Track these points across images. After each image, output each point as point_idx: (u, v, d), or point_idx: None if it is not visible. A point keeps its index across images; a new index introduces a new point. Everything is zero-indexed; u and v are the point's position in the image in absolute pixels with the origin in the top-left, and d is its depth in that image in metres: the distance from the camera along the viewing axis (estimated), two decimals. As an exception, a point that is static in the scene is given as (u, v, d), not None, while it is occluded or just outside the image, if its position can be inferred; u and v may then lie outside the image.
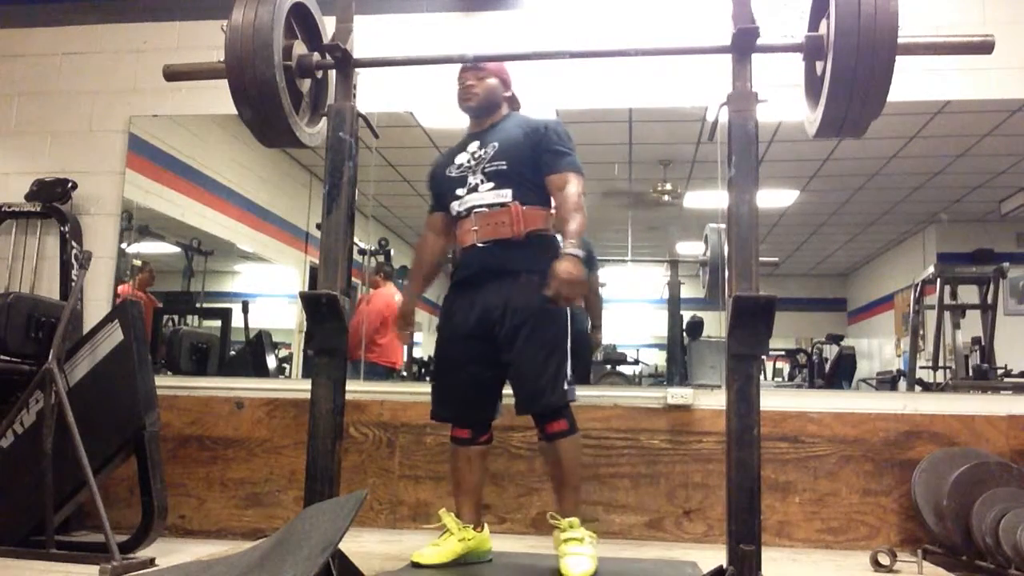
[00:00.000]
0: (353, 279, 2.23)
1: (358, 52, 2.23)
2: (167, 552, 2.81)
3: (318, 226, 2.20)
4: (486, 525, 2.46)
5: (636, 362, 4.59)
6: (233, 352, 4.32)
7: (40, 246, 3.59)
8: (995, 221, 4.22)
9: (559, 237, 2.31)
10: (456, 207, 2.41)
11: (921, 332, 4.19)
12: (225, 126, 3.91)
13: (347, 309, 2.08)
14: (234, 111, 2.11)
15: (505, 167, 2.34)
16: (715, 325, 3.93)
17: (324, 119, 2.22)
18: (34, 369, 2.87)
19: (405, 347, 4.39)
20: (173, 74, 2.29)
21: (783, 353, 5.13)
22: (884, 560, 2.55)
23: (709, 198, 3.76)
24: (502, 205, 2.32)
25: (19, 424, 2.84)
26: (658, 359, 4.51)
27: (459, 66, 2.49)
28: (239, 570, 1.86)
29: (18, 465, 2.80)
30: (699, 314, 4.22)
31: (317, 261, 2.15)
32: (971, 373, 3.87)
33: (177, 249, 4.31)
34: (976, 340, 3.95)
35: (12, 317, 2.90)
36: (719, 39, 2.06)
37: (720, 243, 3.60)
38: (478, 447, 2.40)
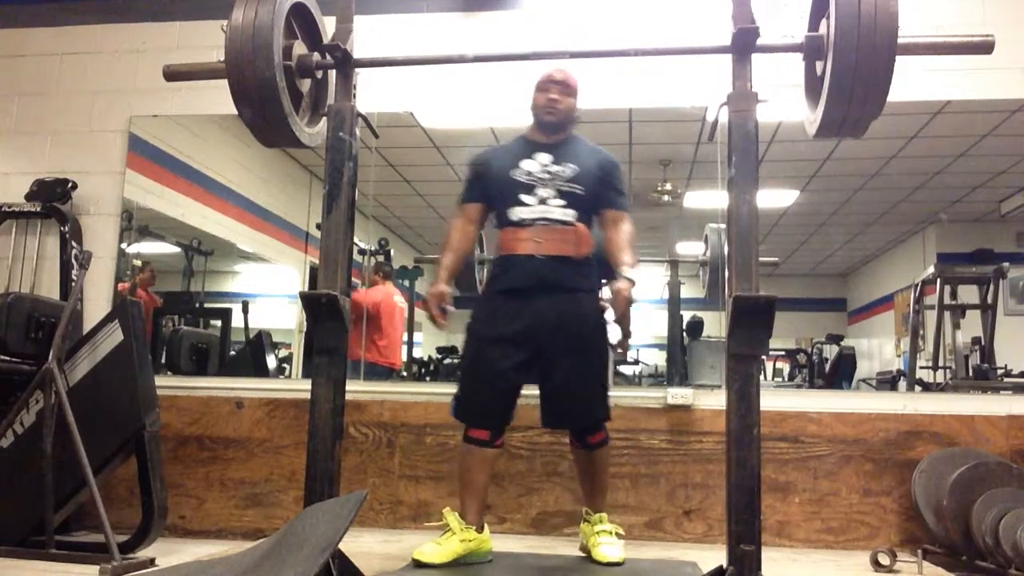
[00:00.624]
0: (353, 279, 2.23)
1: (358, 52, 2.23)
2: (167, 552, 2.81)
3: (318, 226, 2.20)
4: (486, 526, 2.47)
5: (636, 362, 4.59)
6: (233, 352, 4.32)
7: (40, 246, 3.59)
8: (995, 221, 4.22)
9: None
10: (519, 213, 2.43)
11: (921, 332, 4.19)
12: (225, 126, 3.92)
13: (347, 309, 2.08)
14: (234, 111, 2.10)
15: (581, 192, 2.43)
16: (715, 325, 3.93)
17: (324, 119, 2.22)
18: (34, 369, 2.87)
19: (404, 347, 4.40)
20: (173, 74, 2.29)
21: (783, 353, 5.13)
22: (884, 560, 2.55)
23: (709, 198, 3.76)
24: (567, 223, 2.41)
25: (19, 424, 2.84)
26: (658, 359, 4.52)
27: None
28: (239, 570, 1.86)
29: (18, 465, 2.80)
30: (699, 314, 4.22)
31: (317, 261, 2.15)
32: (971, 373, 3.87)
33: (177, 249, 4.31)
34: (976, 340, 3.95)
35: (12, 317, 2.90)
36: (719, 39, 2.07)
37: (720, 243, 3.60)
38: (494, 450, 2.45)
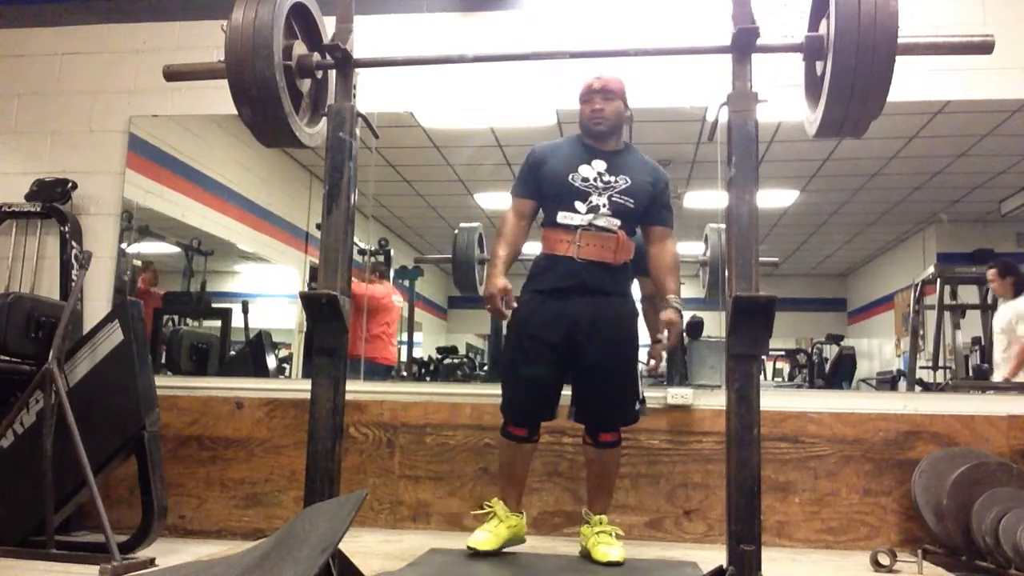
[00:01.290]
0: (353, 279, 2.23)
1: (358, 52, 2.23)
2: (167, 552, 2.81)
3: (318, 226, 2.20)
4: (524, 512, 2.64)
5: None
6: (233, 352, 4.32)
7: (40, 246, 3.59)
8: (995, 221, 4.22)
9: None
10: (570, 218, 2.47)
11: (921, 332, 4.19)
12: (225, 126, 3.92)
13: (347, 309, 2.08)
14: (234, 111, 2.10)
15: (631, 205, 2.47)
16: (715, 325, 3.92)
17: (324, 119, 2.22)
18: (34, 369, 2.87)
19: (402, 347, 4.40)
20: (173, 74, 2.29)
21: (783, 353, 5.13)
22: (884, 560, 2.55)
23: (709, 198, 3.76)
24: (609, 231, 2.46)
25: (19, 424, 2.84)
26: (658, 359, 4.50)
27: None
28: (239, 570, 1.86)
29: (18, 465, 2.80)
30: (699, 314, 4.21)
31: (317, 261, 2.15)
32: (971, 373, 3.87)
33: (177, 249, 4.31)
34: (976, 340, 3.95)
35: (12, 317, 2.90)
36: (719, 39, 2.06)
37: (720, 243, 3.60)
38: (532, 444, 2.58)
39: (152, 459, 2.77)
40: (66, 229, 3.48)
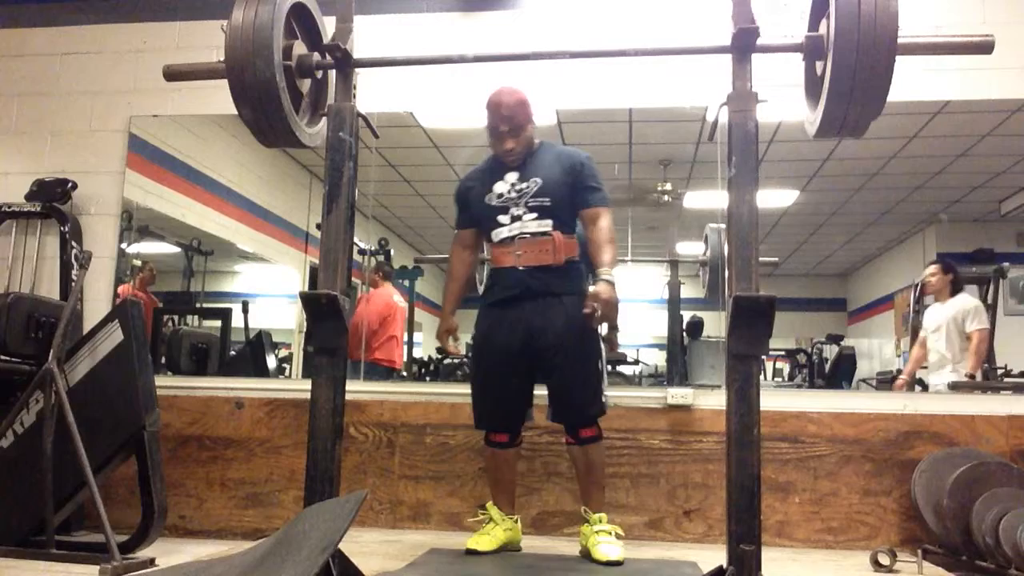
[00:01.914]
0: (353, 279, 2.23)
1: (358, 52, 2.23)
2: (167, 552, 2.81)
3: (318, 226, 2.19)
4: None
5: (636, 362, 4.58)
6: (233, 352, 4.32)
7: (40, 246, 3.59)
8: (995, 221, 4.22)
9: (587, 263, 2.56)
10: (500, 233, 2.57)
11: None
12: (225, 126, 3.92)
13: (347, 309, 2.08)
14: (234, 111, 2.10)
15: (549, 203, 2.52)
16: (715, 325, 3.93)
17: (324, 119, 2.22)
18: (34, 369, 2.87)
19: (404, 347, 4.40)
20: (173, 74, 2.29)
21: (783, 353, 5.12)
22: (884, 560, 2.55)
23: (709, 198, 3.76)
24: (544, 234, 2.52)
25: (19, 424, 2.84)
26: (658, 359, 4.51)
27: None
28: (239, 570, 1.86)
29: (18, 465, 2.80)
30: (699, 314, 4.21)
31: (317, 261, 2.15)
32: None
33: (177, 249, 4.31)
34: (976, 340, 3.94)
35: (12, 317, 2.90)
36: (719, 39, 2.06)
37: (720, 243, 3.60)
38: (514, 449, 2.64)
39: (152, 459, 2.77)
40: (66, 229, 3.48)
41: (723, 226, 2.59)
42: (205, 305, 4.51)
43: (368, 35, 2.58)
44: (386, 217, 4.32)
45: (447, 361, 4.74)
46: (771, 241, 4.39)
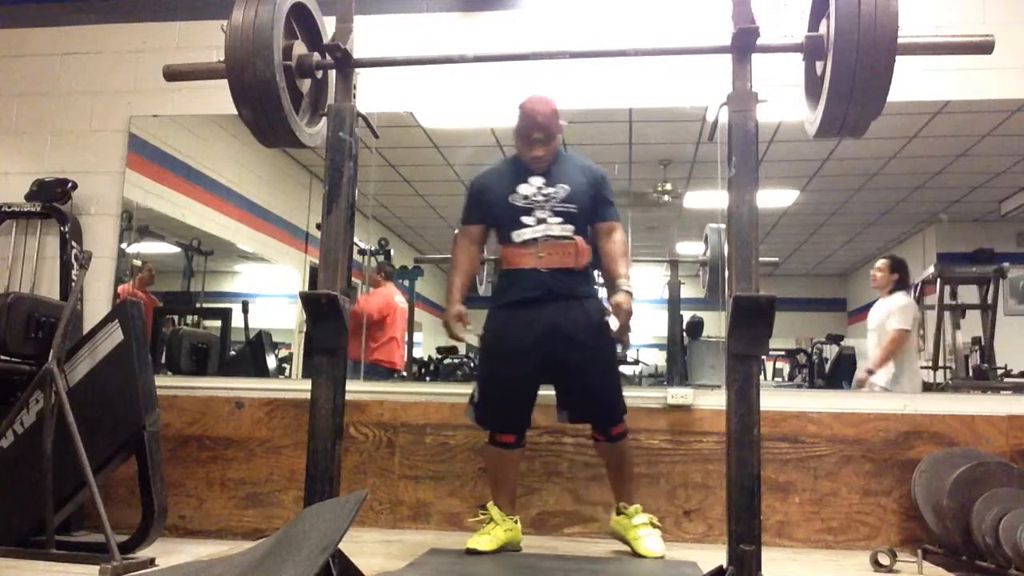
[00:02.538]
0: (353, 279, 2.23)
1: (358, 52, 2.23)
2: (167, 552, 2.81)
3: (318, 226, 2.19)
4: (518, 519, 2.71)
5: (636, 362, 4.59)
6: (233, 352, 4.32)
7: (40, 246, 3.59)
8: (995, 221, 4.21)
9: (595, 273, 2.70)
10: (523, 234, 2.60)
11: (921, 332, 4.18)
12: (225, 126, 3.91)
13: (347, 309, 2.08)
14: (234, 111, 2.10)
15: (575, 210, 2.61)
16: (715, 325, 3.92)
17: (324, 119, 2.22)
18: (34, 369, 2.87)
19: (404, 348, 4.40)
20: (173, 74, 2.29)
21: (783, 353, 5.12)
22: (884, 560, 2.55)
23: (709, 198, 3.76)
24: (567, 238, 2.59)
25: (19, 424, 2.84)
26: (658, 359, 4.51)
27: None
28: (239, 570, 1.86)
29: (18, 465, 2.80)
30: (699, 314, 4.21)
31: (317, 261, 2.15)
32: (971, 373, 3.86)
33: (177, 249, 4.31)
34: (976, 340, 3.94)
35: (12, 317, 2.90)
36: (719, 39, 2.06)
37: (720, 243, 3.60)
38: (520, 450, 2.69)
39: (152, 459, 2.77)
40: (66, 229, 3.48)
41: (723, 226, 2.59)
42: (205, 305, 4.51)
43: (368, 35, 2.58)
44: (386, 217, 4.32)
45: (447, 361, 4.74)
46: (771, 241, 4.39)
